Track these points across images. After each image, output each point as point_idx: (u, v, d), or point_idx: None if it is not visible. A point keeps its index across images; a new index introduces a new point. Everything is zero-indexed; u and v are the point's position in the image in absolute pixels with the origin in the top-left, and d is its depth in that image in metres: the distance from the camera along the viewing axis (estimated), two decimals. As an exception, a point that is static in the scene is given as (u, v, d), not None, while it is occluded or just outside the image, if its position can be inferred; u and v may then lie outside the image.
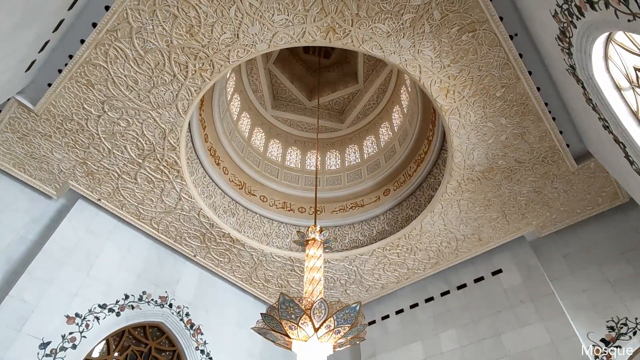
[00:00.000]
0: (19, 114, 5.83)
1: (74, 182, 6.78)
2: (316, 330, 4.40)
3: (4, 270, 6.00)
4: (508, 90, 5.74)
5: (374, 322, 9.08)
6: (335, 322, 4.46)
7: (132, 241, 7.60)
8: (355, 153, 10.30)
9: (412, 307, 8.62)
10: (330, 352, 4.61)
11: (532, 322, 6.72)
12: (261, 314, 4.58)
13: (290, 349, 4.64)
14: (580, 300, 6.58)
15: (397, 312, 8.80)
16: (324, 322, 4.41)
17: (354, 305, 4.51)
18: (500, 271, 7.73)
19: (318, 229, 5.57)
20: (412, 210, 8.10)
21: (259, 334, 4.79)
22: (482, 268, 8.00)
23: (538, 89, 5.68)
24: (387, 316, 8.91)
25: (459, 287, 8.11)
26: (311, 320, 4.38)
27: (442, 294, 8.27)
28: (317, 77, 10.62)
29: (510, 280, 7.47)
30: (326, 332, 4.49)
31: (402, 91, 9.54)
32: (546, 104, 5.82)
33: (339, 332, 4.55)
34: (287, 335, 4.54)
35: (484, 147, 6.45)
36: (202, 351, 7.65)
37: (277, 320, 4.50)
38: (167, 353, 7.38)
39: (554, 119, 5.96)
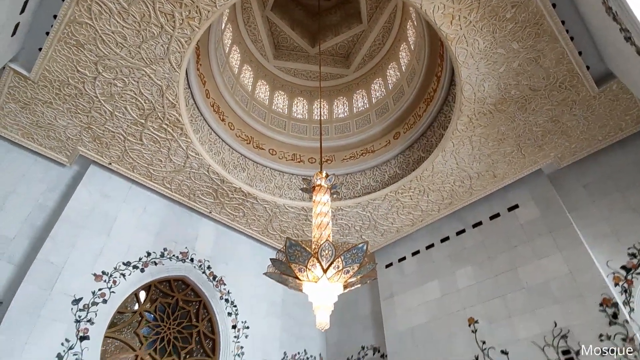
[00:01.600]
0: (16, 83, 5.81)
1: (83, 147, 6.87)
2: (325, 271, 4.47)
3: (29, 237, 6.30)
4: (519, 9, 5.25)
5: (390, 264, 9.23)
6: (343, 262, 4.50)
7: (148, 202, 7.79)
8: (363, 98, 9.96)
9: (427, 247, 8.67)
10: (340, 292, 4.70)
11: (550, 254, 6.64)
12: (270, 259, 4.67)
13: (301, 290, 4.75)
14: (600, 229, 6.40)
15: (413, 254, 8.88)
16: (332, 263, 4.45)
17: (360, 245, 4.51)
18: (516, 206, 7.56)
19: (324, 175, 5.51)
20: (423, 151, 7.89)
21: (271, 278, 4.91)
22: (498, 205, 7.85)
23: (553, 5, 5.17)
24: (404, 258, 9.02)
25: (475, 225, 8.04)
26: (319, 262, 4.44)
27: (458, 233, 8.23)
28: (318, 21, 10.08)
29: (527, 215, 7.32)
30: (335, 273, 4.54)
31: (408, 26, 8.97)
32: (562, 22, 5.32)
33: (348, 272, 4.60)
34: (297, 278, 4.64)
35: (494, 77, 6.06)
36: (227, 300, 8.03)
37: (286, 264, 4.58)
38: (194, 303, 7.79)
39: (571, 38, 5.47)
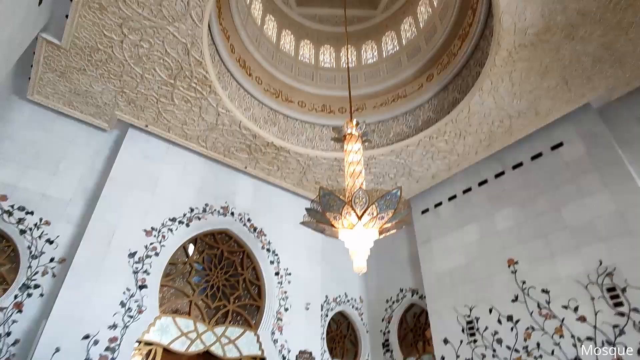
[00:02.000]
0: (50, 52, 5.99)
1: (120, 112, 7.13)
2: (359, 217, 4.54)
3: (83, 199, 6.82)
4: None
5: (426, 210, 9.21)
6: (378, 208, 4.54)
7: (186, 161, 8.10)
8: (392, 41, 9.45)
9: (465, 192, 8.53)
10: (376, 237, 4.80)
11: (596, 192, 6.34)
12: (306, 208, 4.79)
13: (337, 237, 4.89)
14: (654, 163, 5.98)
15: (450, 199, 8.79)
16: (366, 210, 4.50)
17: (394, 191, 4.51)
18: (560, 144, 7.16)
19: (354, 123, 5.42)
20: (458, 92, 7.50)
21: (308, 227, 5.07)
22: (540, 144, 7.47)
23: None
24: (440, 203, 8.96)
25: (515, 167, 7.75)
26: (353, 209, 4.50)
27: (497, 176, 8.00)
28: (340, -42, 9.40)
29: (572, 153, 6.94)
30: (370, 219, 4.61)
31: (439, -46, 8.19)
32: None
33: (383, 218, 4.65)
34: (333, 226, 4.76)
35: (537, 3, 5.50)
36: (268, 249, 8.45)
37: (322, 213, 4.69)
38: (238, 253, 8.26)
39: (629, -53, 4.79)
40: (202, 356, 6.75)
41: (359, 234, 4.66)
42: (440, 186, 9.09)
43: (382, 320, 9.55)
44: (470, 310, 7.49)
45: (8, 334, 5.38)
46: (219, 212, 8.10)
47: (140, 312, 6.21)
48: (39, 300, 5.76)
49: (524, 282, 6.82)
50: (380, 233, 4.94)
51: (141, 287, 6.40)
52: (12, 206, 6.07)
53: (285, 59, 9.13)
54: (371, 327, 9.78)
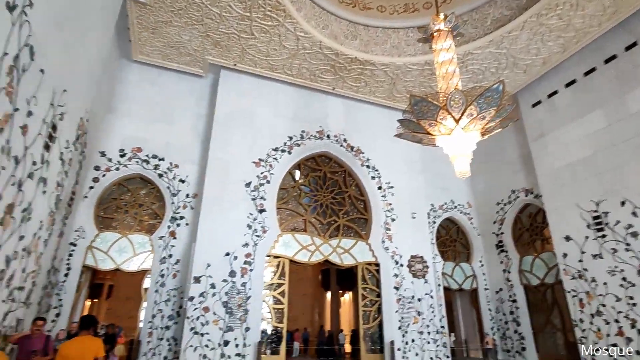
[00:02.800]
0: (139, 12, 6.45)
1: (209, 56, 7.53)
2: (457, 121, 4.29)
3: (198, 140, 7.72)
4: None
5: (538, 102, 8.18)
6: (477, 108, 4.21)
7: (277, 92, 8.38)
8: None
9: (586, 74, 7.25)
10: (478, 140, 4.52)
11: None
12: (398, 120, 4.68)
13: (435, 145, 4.74)
14: None
15: (567, 85, 7.60)
16: (464, 111, 4.22)
17: (495, 86, 4.09)
18: None
19: (441, 17, 4.87)
20: (574, -53, 6.03)
21: (403, 138, 5.00)
22: (697, -9, 5.77)
23: None
24: (554, 92, 7.84)
25: (656, 31, 6.23)
26: (449, 113, 4.26)
27: (627, 48, 6.56)
28: None
29: None
30: (469, 121, 4.32)
31: None
32: None
33: (484, 117, 4.32)
34: (429, 133, 4.61)
35: None
36: (367, 166, 8.64)
37: (415, 122, 4.54)
38: (339, 173, 8.65)
39: None
40: (323, 265, 7.61)
41: (459, 138, 4.43)
42: (553, 73, 7.85)
43: (494, 222, 9.34)
44: (597, 205, 6.81)
45: (170, 255, 6.77)
46: (315, 136, 8.40)
47: (264, 231, 7.14)
48: (186, 228, 7.02)
49: (667, 168, 5.86)
50: (483, 134, 4.62)
51: (261, 211, 7.26)
52: (147, 155, 7.20)
53: (356, -41, 8.29)
54: (482, 230, 9.68)
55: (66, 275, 6.10)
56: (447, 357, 7.72)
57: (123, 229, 6.89)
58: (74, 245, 6.29)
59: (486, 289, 9.26)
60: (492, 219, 9.38)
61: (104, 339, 6.15)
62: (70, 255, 6.21)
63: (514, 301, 8.57)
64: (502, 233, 9.06)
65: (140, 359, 6.13)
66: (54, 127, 4.23)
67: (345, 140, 8.67)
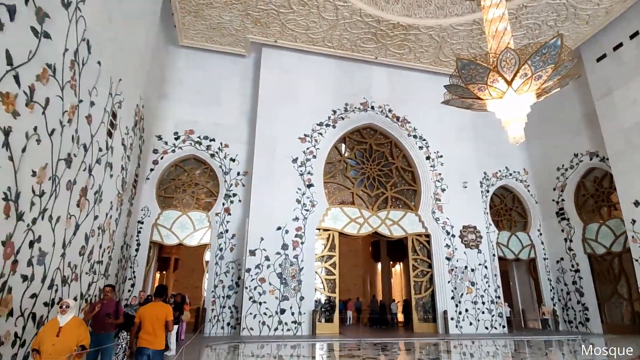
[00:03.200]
0: (182, -4, 6.62)
1: (250, 34, 7.60)
2: (509, 83, 4.05)
3: (245, 120, 7.94)
4: None
5: (603, 56, 7.40)
6: (532, 67, 3.93)
7: (319, 65, 8.31)
8: None
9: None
10: (532, 102, 4.24)
11: None
12: (444, 86, 4.50)
13: (487, 110, 4.51)
14: None
15: (632, 37, 6.78)
16: (517, 72, 3.96)
17: (552, 41, 3.78)
18: None
19: (491, -31, 4.51)
20: None
21: (451, 105, 4.81)
22: None
23: None
24: (620, 45, 7.04)
25: None
26: (500, 74, 4.02)
27: None
28: None
29: None
30: (523, 82, 4.06)
31: None
32: None
33: (540, 77, 4.03)
34: (479, 98, 4.39)
35: None
36: (414, 136, 8.42)
37: (463, 86, 4.34)
38: (385, 144, 8.52)
39: None
40: (372, 236, 7.66)
41: (511, 102, 4.19)
42: (617, 23, 7.02)
43: (554, 189, 8.78)
44: (675, 165, 6.16)
45: (226, 230, 7.17)
46: (359, 108, 8.30)
47: (313, 205, 7.30)
48: (239, 204, 7.36)
49: None
50: (539, 95, 4.33)
51: (309, 185, 7.41)
52: (199, 137, 7.56)
53: None
54: (541, 197, 9.16)
55: (137, 250, 6.71)
56: (503, 327, 7.58)
57: (183, 207, 7.39)
58: (141, 223, 6.87)
59: (545, 259, 8.86)
60: (552, 186, 8.82)
61: (173, 307, 6.75)
62: (139, 232, 6.81)
63: (577, 271, 8.13)
64: (563, 200, 8.52)
65: (206, 324, 6.68)
66: (114, 115, 4.57)
67: (390, 110, 8.47)
